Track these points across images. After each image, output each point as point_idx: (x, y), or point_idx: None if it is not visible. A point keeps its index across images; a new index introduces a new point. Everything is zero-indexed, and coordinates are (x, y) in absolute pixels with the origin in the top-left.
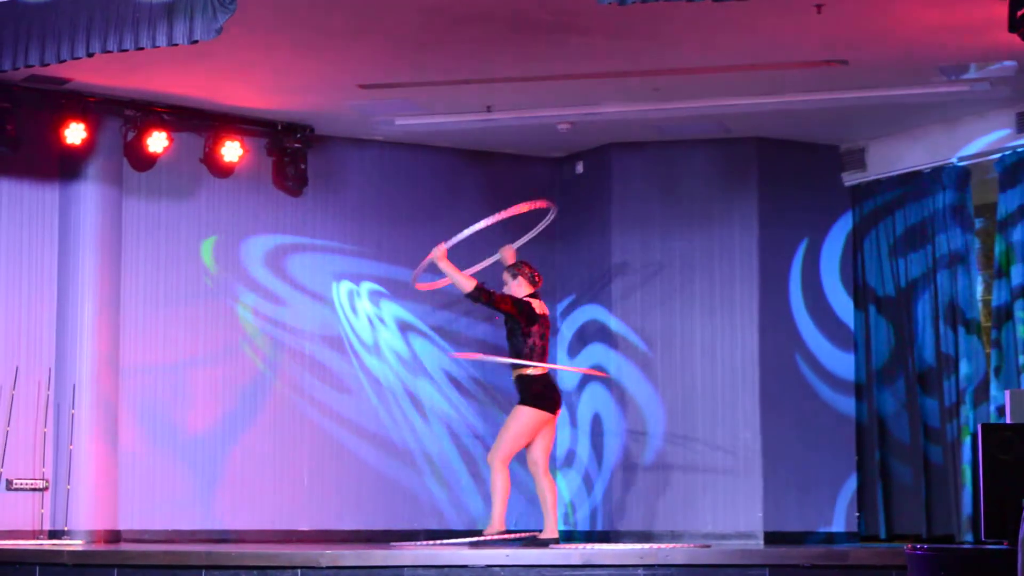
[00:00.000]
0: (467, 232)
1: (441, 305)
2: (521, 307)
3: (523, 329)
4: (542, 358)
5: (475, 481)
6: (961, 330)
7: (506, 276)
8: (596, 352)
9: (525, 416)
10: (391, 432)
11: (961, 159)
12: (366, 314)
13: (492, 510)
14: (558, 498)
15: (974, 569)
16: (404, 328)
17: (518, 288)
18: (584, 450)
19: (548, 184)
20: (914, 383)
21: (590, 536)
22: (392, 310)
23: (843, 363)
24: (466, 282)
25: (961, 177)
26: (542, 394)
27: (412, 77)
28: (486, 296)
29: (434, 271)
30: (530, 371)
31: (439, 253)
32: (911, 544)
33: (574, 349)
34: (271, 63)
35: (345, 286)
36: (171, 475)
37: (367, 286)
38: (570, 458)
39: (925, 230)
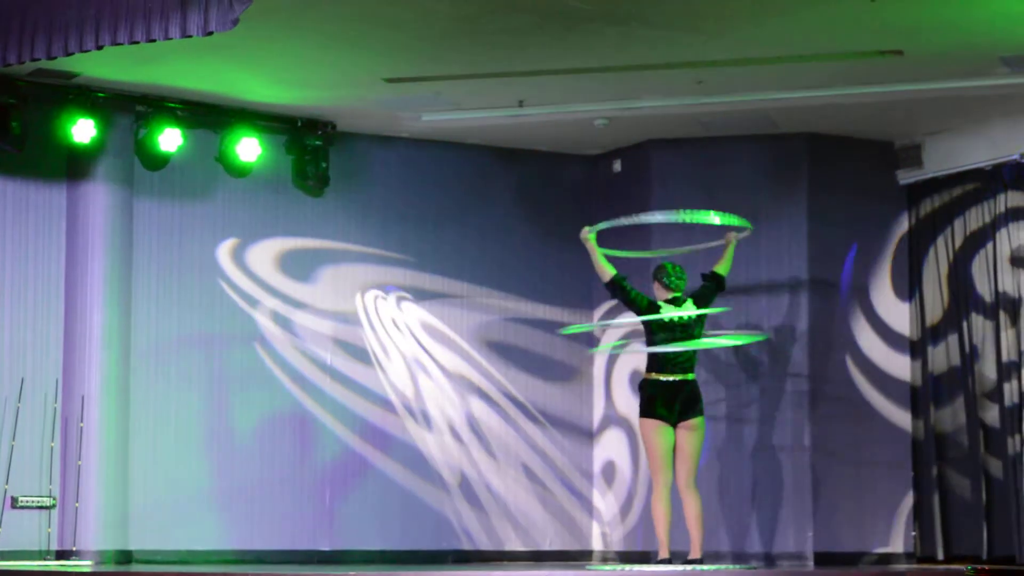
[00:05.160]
0: (628, 221)
1: (473, 312)
2: (644, 310)
3: (647, 337)
4: (663, 365)
5: (505, 500)
6: None
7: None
8: (636, 361)
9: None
10: (418, 448)
11: None
12: (391, 322)
13: (697, 536)
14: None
15: None
16: (432, 337)
17: (658, 292)
18: (625, 468)
19: (584, 183)
20: (974, 392)
21: (628, 557)
22: (419, 317)
23: (898, 372)
24: (604, 272)
25: None
26: None
27: (440, 70)
28: (621, 292)
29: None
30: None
31: (585, 233)
32: (974, 566)
33: (612, 358)
34: (290, 56)
35: (369, 292)
36: (185, 492)
37: (392, 292)
38: (609, 476)
39: (985, 230)
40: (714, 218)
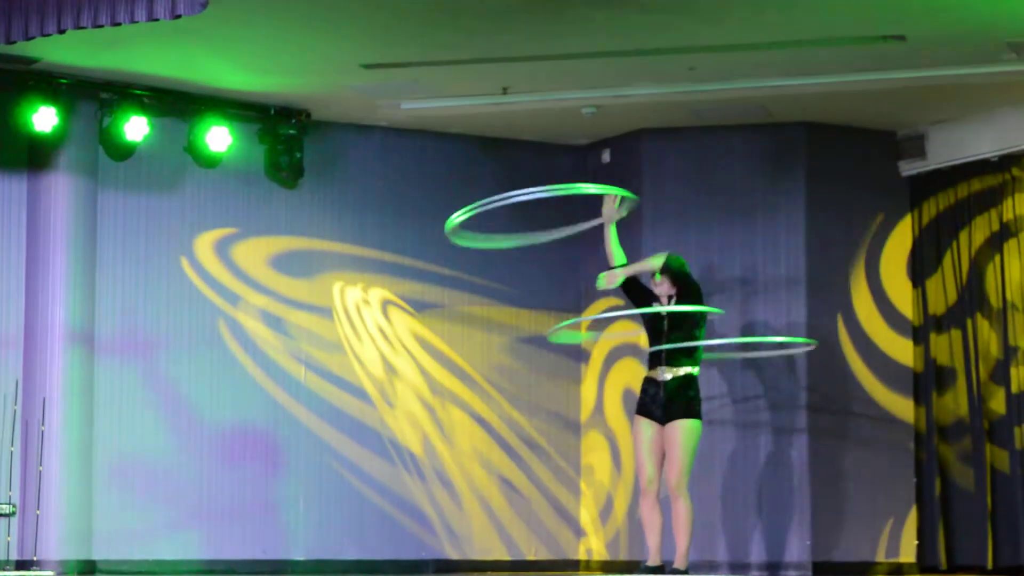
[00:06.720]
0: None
1: (456, 311)
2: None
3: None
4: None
5: (489, 509)
6: None
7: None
8: (628, 360)
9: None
10: (397, 455)
11: None
12: (370, 320)
13: (683, 544)
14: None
15: None
16: (412, 337)
17: (667, 288)
18: (605, 470)
19: (572, 174)
20: (979, 389)
21: (613, 566)
22: (398, 316)
23: (901, 372)
24: (612, 258)
25: None
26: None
27: (420, 55)
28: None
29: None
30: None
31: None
32: None
33: (606, 364)
34: (263, 40)
35: (346, 289)
36: (152, 500)
37: (371, 289)
38: (595, 485)
39: (993, 224)
40: (590, 188)
